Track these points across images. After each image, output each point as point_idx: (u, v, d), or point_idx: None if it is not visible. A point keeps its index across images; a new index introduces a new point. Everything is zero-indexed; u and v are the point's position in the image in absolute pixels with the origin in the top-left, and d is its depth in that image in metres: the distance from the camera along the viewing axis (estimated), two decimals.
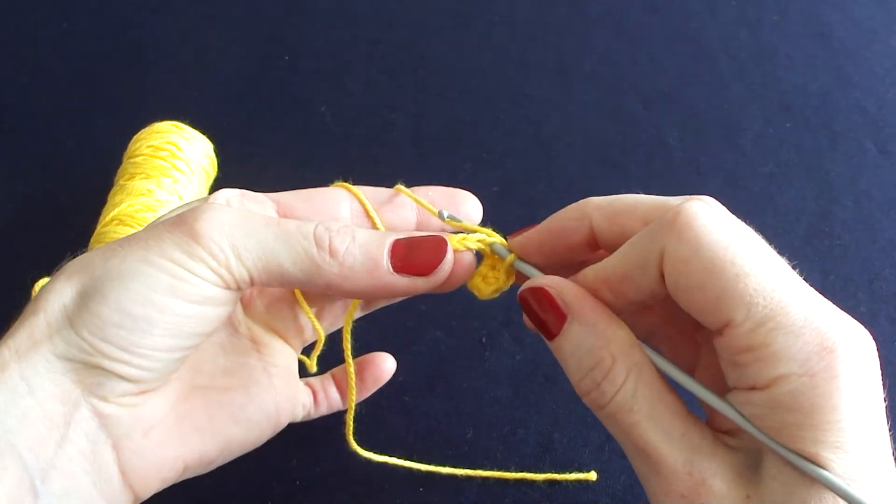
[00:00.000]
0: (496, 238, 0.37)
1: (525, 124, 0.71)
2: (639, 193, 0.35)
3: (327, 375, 0.48)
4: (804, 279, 0.30)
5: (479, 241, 0.37)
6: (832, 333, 0.28)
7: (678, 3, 0.83)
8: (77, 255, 0.33)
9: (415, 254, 0.34)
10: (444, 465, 0.49)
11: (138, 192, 0.55)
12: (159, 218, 0.36)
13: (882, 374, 0.30)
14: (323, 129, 0.70)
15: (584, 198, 0.36)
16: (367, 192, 0.40)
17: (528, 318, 0.34)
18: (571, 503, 0.49)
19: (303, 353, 0.44)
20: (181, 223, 0.32)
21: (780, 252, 0.31)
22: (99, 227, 0.55)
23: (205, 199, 0.36)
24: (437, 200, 0.40)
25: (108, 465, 0.32)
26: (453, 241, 0.36)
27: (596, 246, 0.35)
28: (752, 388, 0.29)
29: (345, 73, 0.75)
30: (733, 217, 0.31)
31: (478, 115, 0.72)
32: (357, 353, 0.54)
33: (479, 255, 0.38)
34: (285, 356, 0.41)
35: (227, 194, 0.37)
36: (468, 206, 0.40)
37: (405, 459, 0.48)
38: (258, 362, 0.39)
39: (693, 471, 0.29)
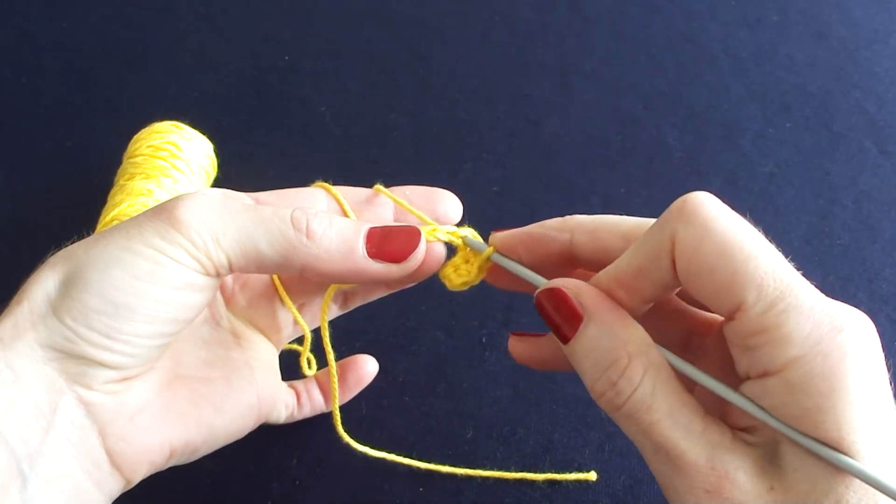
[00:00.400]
0: (469, 231, 0.39)
1: (525, 124, 0.71)
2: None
3: (311, 379, 0.49)
4: None
5: (449, 233, 0.38)
6: (839, 314, 0.29)
7: (678, 3, 0.83)
8: (62, 248, 0.34)
9: (390, 241, 0.36)
10: (443, 465, 0.49)
11: (138, 192, 0.55)
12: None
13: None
14: (323, 129, 0.70)
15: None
16: (346, 192, 0.41)
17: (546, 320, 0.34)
18: (571, 503, 0.49)
19: (295, 357, 0.45)
20: (161, 211, 0.33)
21: (780, 252, 0.31)
22: (99, 227, 0.55)
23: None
24: (415, 200, 0.41)
25: (96, 449, 0.33)
26: (425, 233, 0.37)
27: (571, 264, 0.36)
28: (766, 375, 0.29)
29: (345, 73, 0.75)
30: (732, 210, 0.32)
31: (478, 115, 0.72)
32: (357, 353, 0.54)
33: (454, 250, 0.39)
34: (266, 351, 0.42)
35: (209, 192, 0.38)
36: (446, 206, 0.41)
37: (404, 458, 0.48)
38: (239, 355, 0.40)
39: (716, 465, 0.29)
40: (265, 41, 0.77)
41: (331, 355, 0.42)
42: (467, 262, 0.38)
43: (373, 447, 0.47)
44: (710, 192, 0.32)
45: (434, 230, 0.38)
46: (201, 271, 0.33)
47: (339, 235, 0.35)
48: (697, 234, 0.29)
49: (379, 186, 0.41)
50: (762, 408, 0.29)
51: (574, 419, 0.52)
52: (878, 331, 0.29)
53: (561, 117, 0.72)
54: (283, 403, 0.47)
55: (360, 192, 0.41)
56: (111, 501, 0.35)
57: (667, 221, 0.31)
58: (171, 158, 0.58)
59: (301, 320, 0.42)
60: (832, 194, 0.67)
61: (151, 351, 0.34)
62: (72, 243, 0.34)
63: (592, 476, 0.49)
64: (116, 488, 0.34)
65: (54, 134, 0.68)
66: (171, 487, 0.47)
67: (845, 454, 0.27)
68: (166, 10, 0.80)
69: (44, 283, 0.32)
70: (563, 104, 0.73)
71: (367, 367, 0.50)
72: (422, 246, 0.36)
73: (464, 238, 0.38)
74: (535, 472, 0.49)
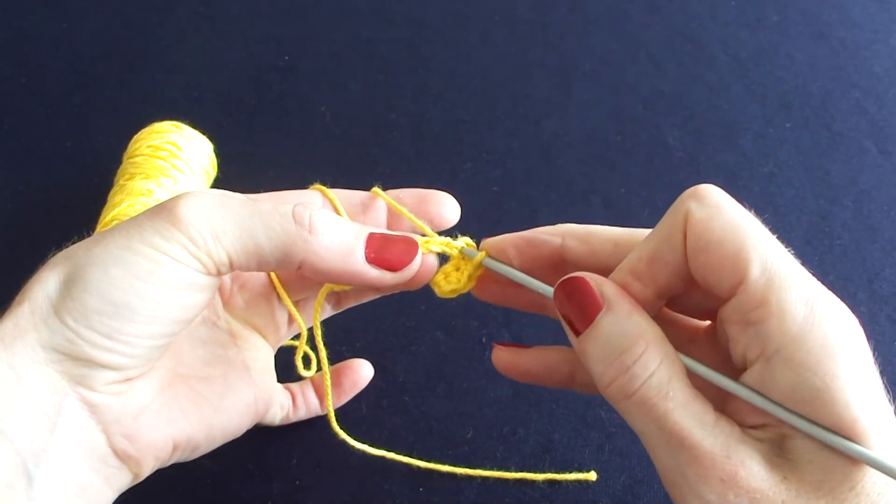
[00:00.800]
0: (465, 240, 0.39)
1: (525, 124, 0.71)
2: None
3: (306, 381, 0.49)
4: None
5: (443, 243, 0.39)
6: (832, 298, 0.30)
7: (678, 3, 0.83)
8: (62, 248, 0.34)
9: (388, 249, 0.36)
10: (443, 464, 0.49)
11: (138, 192, 0.55)
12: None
13: (881, 375, 0.30)
14: (323, 129, 0.70)
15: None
16: (341, 195, 0.41)
17: (560, 309, 0.34)
18: (571, 503, 0.49)
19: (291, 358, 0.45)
20: (161, 210, 0.33)
21: None
22: (99, 227, 0.55)
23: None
24: (407, 203, 0.41)
25: (102, 448, 0.33)
26: (421, 244, 0.38)
27: (561, 269, 0.36)
28: (765, 357, 0.29)
29: (345, 73, 0.75)
30: None
31: (478, 115, 0.72)
32: (357, 353, 0.54)
33: (447, 258, 0.40)
34: (263, 351, 0.42)
35: (208, 191, 0.38)
36: (440, 209, 0.41)
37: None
38: (236, 355, 0.40)
39: (731, 454, 0.29)
40: (265, 41, 0.77)
41: (323, 353, 0.42)
42: (458, 269, 0.39)
43: (372, 447, 0.47)
44: None
45: (429, 242, 0.38)
46: (202, 270, 0.33)
47: (340, 235, 0.35)
48: (709, 211, 0.31)
49: (377, 189, 0.41)
50: (775, 402, 0.30)
51: (574, 419, 0.52)
52: (878, 330, 0.30)
53: (561, 117, 0.72)
54: (279, 405, 0.47)
55: (354, 196, 0.42)
56: (119, 494, 0.35)
57: (681, 202, 0.32)
58: (171, 158, 0.58)
59: (298, 316, 0.42)
60: (832, 194, 0.67)
61: (152, 351, 0.34)
62: (72, 243, 0.34)
63: (592, 476, 0.49)
64: (125, 482, 0.35)
65: (54, 134, 0.68)
66: (171, 487, 0.47)
67: (856, 439, 0.28)
68: (166, 10, 0.80)
69: (45, 284, 0.32)
70: (563, 104, 0.73)
71: (362, 372, 0.50)
72: (418, 257, 0.37)
73: (460, 249, 0.39)
74: (535, 472, 0.49)
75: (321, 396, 0.49)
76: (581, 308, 0.32)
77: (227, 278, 0.42)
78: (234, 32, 0.78)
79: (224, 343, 0.40)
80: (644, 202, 0.65)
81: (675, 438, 0.30)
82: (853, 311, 0.30)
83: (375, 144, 0.69)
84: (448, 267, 0.39)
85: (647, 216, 0.63)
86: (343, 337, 0.53)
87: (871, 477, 0.28)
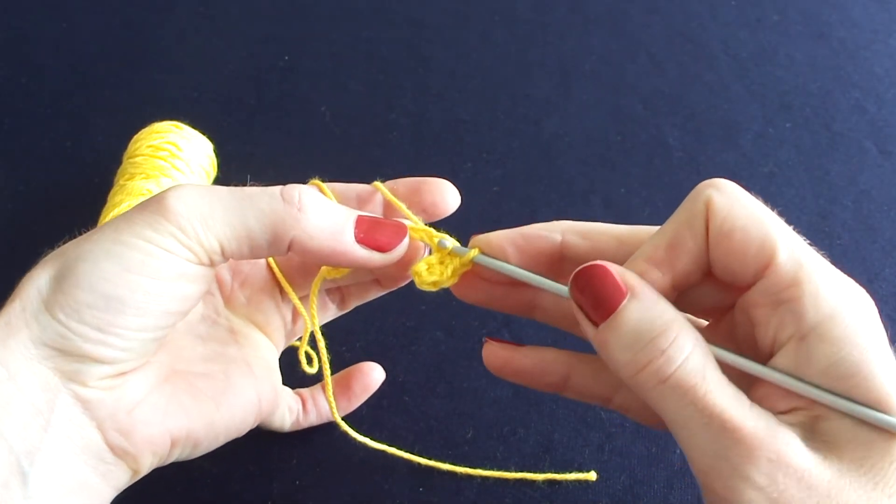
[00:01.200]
0: (444, 235, 0.38)
1: (525, 124, 0.71)
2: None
3: (316, 387, 0.49)
4: None
5: (424, 231, 0.38)
6: (850, 279, 0.31)
7: (678, 3, 0.83)
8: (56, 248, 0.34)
9: (378, 230, 0.37)
10: (443, 462, 0.49)
11: (138, 192, 0.55)
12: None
13: None
14: (323, 129, 0.70)
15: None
16: (339, 189, 0.41)
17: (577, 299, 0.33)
18: (571, 503, 0.49)
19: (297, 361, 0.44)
20: (150, 203, 0.33)
21: None
22: None
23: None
24: (401, 193, 0.40)
25: (97, 444, 0.33)
26: (411, 229, 0.38)
27: (561, 267, 0.36)
28: (799, 334, 0.30)
29: (345, 73, 0.75)
30: None
31: (478, 115, 0.72)
32: (357, 353, 0.54)
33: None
34: (265, 349, 0.42)
35: (196, 183, 0.38)
36: (435, 197, 0.40)
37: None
38: (237, 352, 0.40)
39: (776, 434, 0.29)
40: (265, 41, 0.77)
41: (321, 343, 0.41)
42: (441, 262, 0.38)
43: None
44: None
45: (413, 229, 0.38)
46: (194, 260, 0.33)
47: (330, 215, 0.35)
48: (731, 198, 0.31)
49: (377, 183, 0.41)
50: (813, 383, 0.30)
51: (574, 419, 0.52)
52: None
53: (561, 117, 0.72)
54: (288, 408, 0.47)
55: (350, 190, 0.41)
56: (118, 492, 0.35)
57: (698, 192, 0.32)
58: (171, 158, 0.58)
59: (301, 307, 0.42)
60: (832, 194, 0.67)
61: (145, 344, 0.34)
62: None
63: (592, 476, 0.49)
64: (123, 479, 0.34)
65: (54, 134, 0.68)
66: (171, 487, 0.47)
67: (893, 413, 0.28)
68: (166, 10, 0.80)
69: (36, 281, 0.32)
70: (563, 104, 0.73)
71: (373, 375, 0.50)
72: (406, 240, 0.37)
73: (438, 241, 0.38)
74: (535, 472, 0.49)
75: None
76: (601, 297, 0.32)
77: (227, 275, 0.42)
78: (234, 32, 0.78)
79: (224, 340, 0.40)
80: (644, 202, 0.65)
81: (716, 420, 0.29)
82: None
83: (375, 144, 0.69)
84: (432, 258, 0.38)
85: (647, 216, 0.63)
86: (343, 337, 0.53)
87: None
